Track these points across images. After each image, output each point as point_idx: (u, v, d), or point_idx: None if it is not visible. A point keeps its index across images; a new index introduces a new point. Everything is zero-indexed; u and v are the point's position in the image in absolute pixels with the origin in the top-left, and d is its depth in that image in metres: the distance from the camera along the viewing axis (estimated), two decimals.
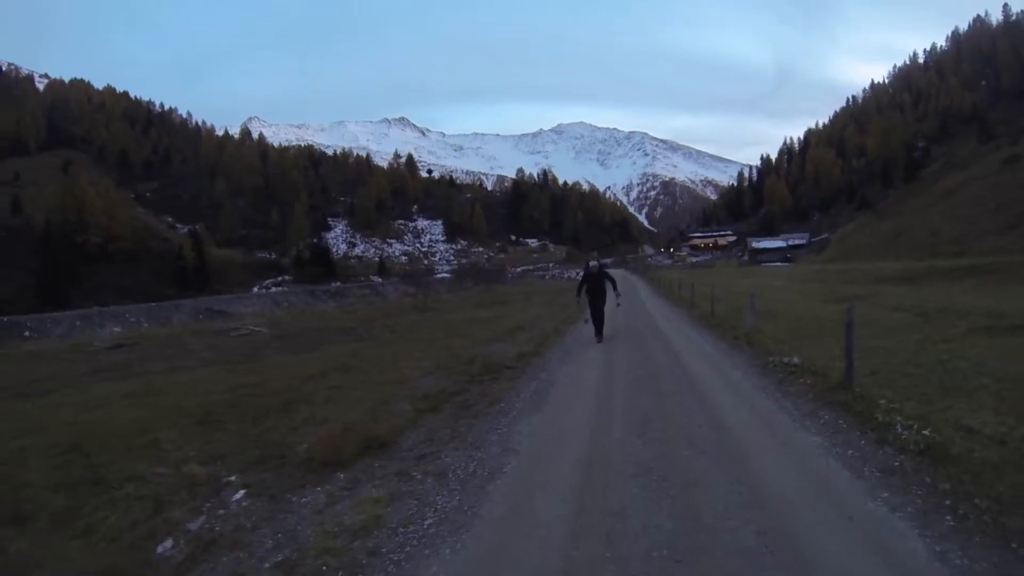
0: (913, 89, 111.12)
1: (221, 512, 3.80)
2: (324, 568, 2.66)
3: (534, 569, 2.43)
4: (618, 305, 10.66)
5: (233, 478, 4.40)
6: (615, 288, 10.06)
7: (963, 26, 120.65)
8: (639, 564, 2.44)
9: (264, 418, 5.84)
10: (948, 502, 2.87)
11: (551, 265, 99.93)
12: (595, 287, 9.77)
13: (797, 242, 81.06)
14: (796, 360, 6.37)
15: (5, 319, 35.10)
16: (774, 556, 2.43)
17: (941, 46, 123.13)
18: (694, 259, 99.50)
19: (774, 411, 4.73)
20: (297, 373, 8.35)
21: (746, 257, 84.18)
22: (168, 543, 3.45)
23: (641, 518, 2.87)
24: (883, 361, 6.60)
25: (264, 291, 70.74)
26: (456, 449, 4.18)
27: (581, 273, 11.88)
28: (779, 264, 66.19)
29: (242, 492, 4.11)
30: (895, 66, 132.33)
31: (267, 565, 2.86)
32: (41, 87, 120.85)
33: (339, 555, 2.77)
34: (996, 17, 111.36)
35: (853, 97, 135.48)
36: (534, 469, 3.63)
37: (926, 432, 3.90)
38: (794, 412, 4.65)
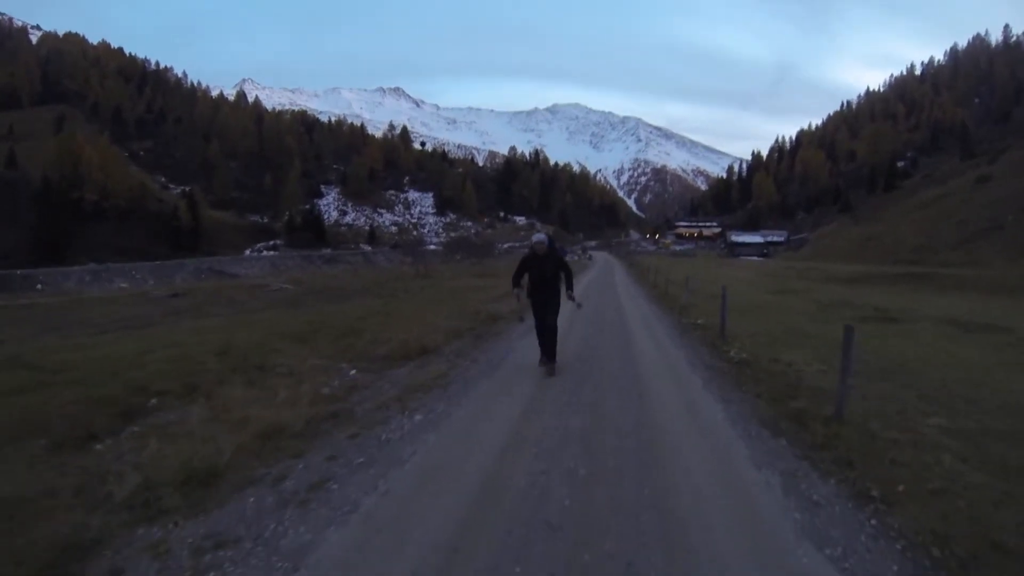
0: (907, 100, 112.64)
1: (347, 379, 6.64)
2: (425, 386, 5.58)
3: (528, 381, 5.48)
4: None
5: (343, 365, 7.28)
6: (569, 285, 6.27)
7: (963, 43, 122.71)
8: (575, 378, 5.57)
9: (342, 338, 8.67)
10: (729, 377, 5.88)
11: None
12: (542, 279, 6.15)
13: (775, 239, 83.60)
14: (700, 321, 9.45)
15: (19, 273, 37.17)
16: (635, 384, 5.47)
17: (939, 60, 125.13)
18: (677, 247, 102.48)
19: (667, 343, 7.82)
20: (347, 315, 11.18)
21: (726, 249, 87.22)
22: (326, 390, 6.27)
23: (577, 368, 6.00)
24: (765, 329, 9.63)
25: (257, 254, 72.24)
26: (480, 352, 7.17)
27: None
28: (755, 258, 69.31)
29: (354, 371, 6.96)
30: (892, 75, 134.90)
31: (393, 392, 5.75)
32: (35, 39, 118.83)
33: (430, 383, 5.69)
34: (996, 37, 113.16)
35: (848, 102, 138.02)
36: (524, 356, 6.67)
37: (745, 356, 6.94)
38: (679, 343, 7.75)
